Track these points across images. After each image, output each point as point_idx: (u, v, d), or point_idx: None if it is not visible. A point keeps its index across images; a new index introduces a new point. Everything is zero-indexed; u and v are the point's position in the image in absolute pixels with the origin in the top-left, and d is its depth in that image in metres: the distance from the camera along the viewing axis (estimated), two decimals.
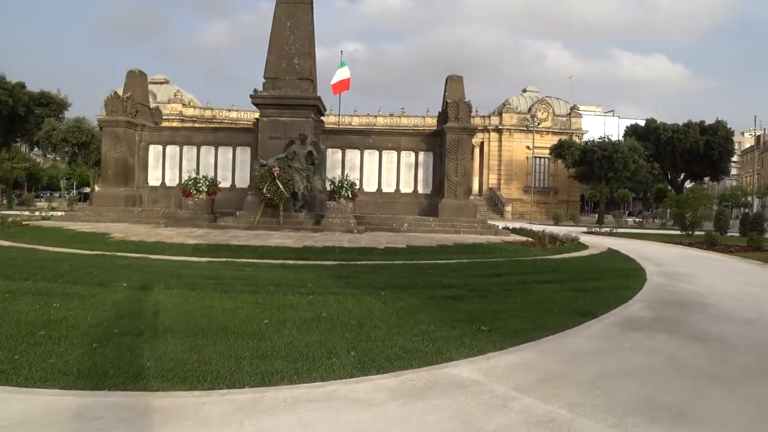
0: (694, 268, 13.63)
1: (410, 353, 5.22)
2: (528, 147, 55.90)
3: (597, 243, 20.71)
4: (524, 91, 61.92)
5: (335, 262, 11.74)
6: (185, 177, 23.69)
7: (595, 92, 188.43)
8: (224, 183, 23.56)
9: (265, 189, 18.75)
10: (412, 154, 22.27)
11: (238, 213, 19.89)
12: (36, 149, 59.19)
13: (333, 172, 22.57)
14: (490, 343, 5.69)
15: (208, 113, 58.86)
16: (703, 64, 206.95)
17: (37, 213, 27.98)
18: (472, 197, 57.61)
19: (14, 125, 48.10)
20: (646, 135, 51.50)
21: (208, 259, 11.93)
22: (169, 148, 24.41)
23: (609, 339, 6.24)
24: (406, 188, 22.34)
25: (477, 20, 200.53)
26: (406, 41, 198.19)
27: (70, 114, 50.17)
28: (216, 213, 20.89)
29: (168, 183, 24.02)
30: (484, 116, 58.94)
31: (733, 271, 13.79)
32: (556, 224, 41.72)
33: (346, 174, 20.43)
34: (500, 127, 57.38)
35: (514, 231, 21.93)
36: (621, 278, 10.96)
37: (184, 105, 58.91)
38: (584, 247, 18.13)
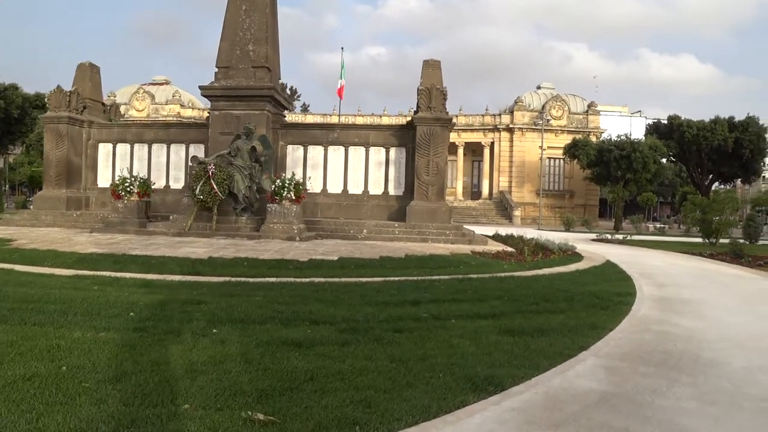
0: (706, 291, 10.47)
1: None
2: (541, 147, 52.33)
3: (598, 253, 17.59)
4: (538, 87, 58.17)
5: (226, 279, 9.43)
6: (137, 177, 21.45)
7: (622, 94, 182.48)
8: (176, 184, 21.06)
9: (197, 190, 16.03)
10: (382, 150, 19.31)
11: (171, 217, 17.25)
12: (31, 151, 57.73)
13: (294, 170, 19.76)
14: None
15: (206, 114, 56.48)
16: (734, 62, 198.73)
17: None
18: (480, 201, 55.35)
19: (10, 128, 46.65)
20: (669, 133, 47.58)
21: (78, 272, 9.80)
22: (119, 146, 21.97)
23: None
24: (376, 189, 19.37)
25: (500, 22, 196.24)
26: (429, 44, 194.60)
27: None
28: (152, 217, 18.35)
29: None
30: (494, 114, 55.52)
31: (760, 295, 10.57)
32: (567, 230, 38.36)
33: (292, 173, 17.63)
34: (511, 126, 53.74)
35: (499, 239, 18.87)
36: (592, 309, 7.91)
37: (182, 106, 56.76)
38: (577, 259, 15.08)
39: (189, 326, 5.87)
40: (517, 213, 48.62)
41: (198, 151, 20.59)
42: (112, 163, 21.95)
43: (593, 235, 31.07)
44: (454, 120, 20.17)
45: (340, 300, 7.75)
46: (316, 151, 19.74)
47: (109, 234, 16.38)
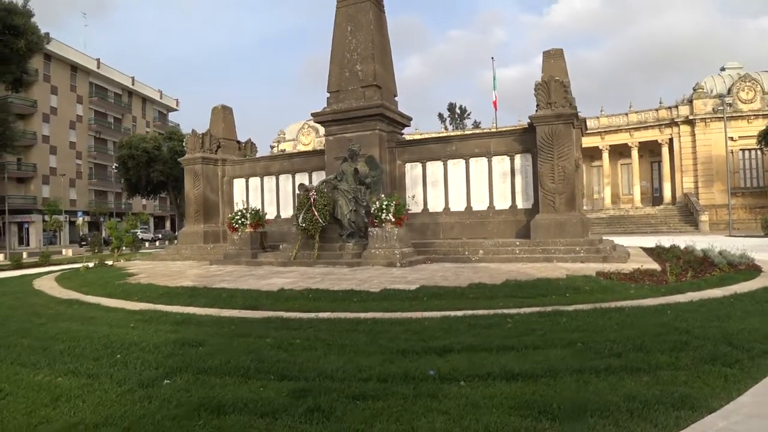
0: None
1: None
2: (732, 138, 44.98)
3: None
4: (722, 69, 50.30)
5: (274, 314, 8.85)
6: (267, 208, 21.85)
7: None
8: None
9: (300, 218, 15.43)
10: (506, 158, 17.16)
11: (281, 246, 16.90)
12: None
13: (413, 190, 18.50)
14: None
15: None
16: None
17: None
18: (661, 207, 49.02)
19: None
20: None
21: (148, 306, 10.11)
22: (251, 180, 22.54)
23: None
24: (502, 203, 17.24)
25: (675, 6, 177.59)
26: (602, 45, 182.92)
27: None
28: (270, 247, 18.31)
29: None
30: (670, 107, 49.09)
31: None
32: (766, 235, 32.05)
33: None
34: (692, 117, 46.90)
35: (652, 253, 15.63)
36: (706, 365, 5.28)
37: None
38: (747, 276, 11.61)
39: (146, 374, 5.56)
40: (704, 218, 42.02)
41: (320, 178, 20.28)
42: (246, 196, 22.54)
43: None
44: (583, 115, 17.32)
45: (353, 345, 6.46)
46: (435, 167, 18.22)
47: (223, 266, 16.63)
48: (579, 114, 16.19)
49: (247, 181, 22.60)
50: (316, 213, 15.12)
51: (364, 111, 17.66)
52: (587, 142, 52.58)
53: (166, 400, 4.76)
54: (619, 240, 27.18)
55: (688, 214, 44.80)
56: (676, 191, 48.48)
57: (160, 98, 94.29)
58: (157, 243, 53.25)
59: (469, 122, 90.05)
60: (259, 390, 5.00)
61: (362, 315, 8.46)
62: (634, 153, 50.83)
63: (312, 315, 8.68)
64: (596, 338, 6.40)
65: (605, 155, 52.29)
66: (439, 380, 5.08)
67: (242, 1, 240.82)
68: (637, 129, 50.36)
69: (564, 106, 15.13)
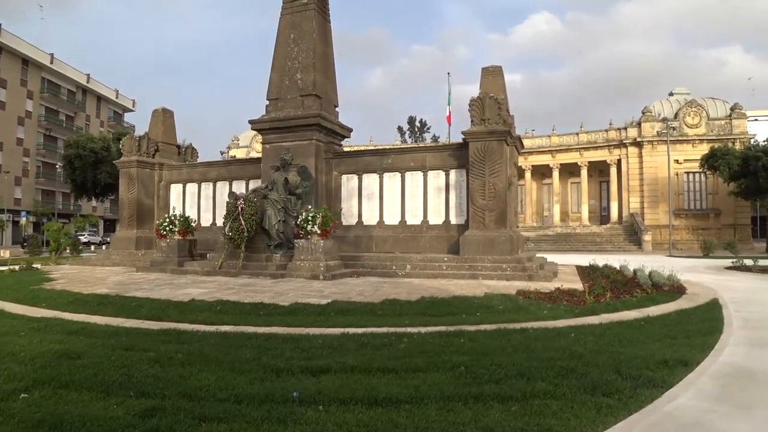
0: None
1: None
2: (677, 161, 46.24)
3: (714, 288, 14.01)
4: (671, 94, 51.84)
5: (176, 326, 8.58)
6: (203, 215, 21.36)
7: None
8: None
9: (227, 227, 15.01)
10: (442, 173, 17.09)
11: (209, 255, 16.42)
12: None
13: (349, 202, 18.26)
14: None
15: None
16: None
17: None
18: (608, 226, 49.91)
19: None
20: None
21: (52, 313, 9.77)
22: (189, 186, 22.04)
23: None
24: (436, 218, 17.14)
25: (636, 35, 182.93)
26: (565, 66, 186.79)
27: None
28: (200, 255, 17.84)
29: None
30: (619, 129, 50.26)
31: None
32: (706, 256, 32.89)
33: (321, 205, 16.07)
34: (639, 139, 48.07)
35: (582, 272, 15.72)
36: (586, 394, 5.14)
37: None
38: (668, 298, 11.69)
39: (6, 387, 5.32)
40: (647, 238, 42.94)
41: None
42: (182, 202, 21.98)
43: (733, 261, 25.90)
44: (518, 132, 17.40)
45: (233, 362, 6.31)
46: (371, 180, 18.04)
47: (148, 273, 16.20)
48: (513, 132, 16.26)
49: (184, 187, 22.05)
50: (242, 222, 14.73)
51: (301, 120, 17.39)
52: (539, 160, 53.42)
53: (10, 415, 4.55)
54: (562, 258, 27.47)
55: (634, 233, 45.76)
56: (623, 211, 49.52)
57: (116, 98, 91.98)
58: (104, 247, 51.66)
59: (428, 136, 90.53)
60: (111, 407, 4.79)
61: (260, 330, 8.29)
62: (584, 172, 51.77)
63: (212, 328, 8.48)
64: (483, 362, 6.22)
65: (555, 174, 53.12)
66: (298, 403, 4.89)
67: (214, 1, 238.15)
68: (587, 149, 51.35)
69: (497, 123, 15.15)
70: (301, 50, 18.22)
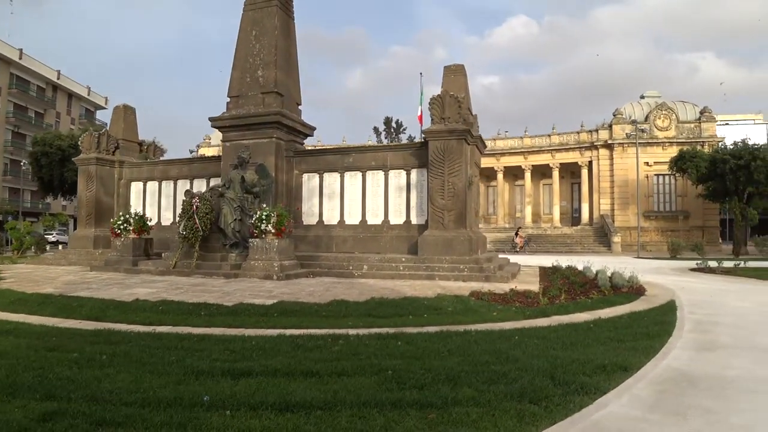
0: None
1: None
2: (647, 163, 46.71)
3: (674, 289, 14.10)
4: (642, 97, 52.36)
5: (114, 326, 8.45)
6: (164, 213, 20.95)
7: (759, 102, 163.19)
8: None
9: (181, 226, 14.65)
10: (403, 173, 16.92)
11: (164, 254, 16.05)
12: None
13: (310, 201, 18.00)
14: None
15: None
16: None
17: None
18: (579, 227, 50.13)
19: None
20: None
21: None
22: (149, 184, 21.57)
23: None
24: (397, 218, 16.97)
25: (614, 38, 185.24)
26: (543, 70, 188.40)
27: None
28: (156, 254, 17.49)
29: None
30: (591, 131, 50.66)
31: None
32: (673, 257, 33.22)
33: (276, 204, 15.84)
34: (610, 141, 48.50)
35: (543, 273, 15.66)
36: (511, 401, 4.94)
37: None
38: (624, 300, 11.68)
39: None
40: (617, 239, 43.30)
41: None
42: (143, 201, 21.51)
43: (700, 262, 26.11)
44: (490, 134, 17.31)
45: (156, 363, 6.14)
46: (332, 179, 17.81)
47: (101, 272, 15.85)
48: (475, 131, 16.14)
49: (144, 185, 21.59)
50: (197, 221, 14.40)
51: (261, 118, 17.12)
52: (512, 161, 53.59)
53: None
54: (530, 259, 27.50)
55: (604, 235, 46.12)
56: (594, 212, 49.89)
57: (88, 95, 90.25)
58: None
59: (404, 136, 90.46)
60: (12, 411, 4.61)
61: (197, 330, 8.11)
62: (555, 174, 52.06)
63: (149, 329, 8.30)
64: (413, 366, 6.04)
65: (527, 175, 53.34)
66: (206, 407, 4.70)
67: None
68: (558, 150, 51.63)
69: (457, 122, 15.02)
70: (262, 47, 17.92)
